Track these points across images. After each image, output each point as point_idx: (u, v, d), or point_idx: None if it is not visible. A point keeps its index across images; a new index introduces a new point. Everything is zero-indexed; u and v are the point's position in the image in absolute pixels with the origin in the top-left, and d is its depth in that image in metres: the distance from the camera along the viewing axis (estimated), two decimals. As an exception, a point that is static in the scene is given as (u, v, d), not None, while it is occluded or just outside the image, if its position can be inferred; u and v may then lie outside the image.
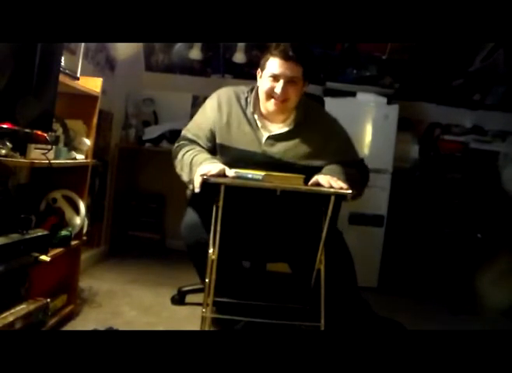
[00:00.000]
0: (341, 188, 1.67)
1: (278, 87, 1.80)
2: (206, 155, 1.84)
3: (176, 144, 1.97)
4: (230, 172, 1.69)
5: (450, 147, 3.62)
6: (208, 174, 1.65)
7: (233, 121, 1.91)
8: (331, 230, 1.75)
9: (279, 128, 1.92)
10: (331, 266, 1.78)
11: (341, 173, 1.80)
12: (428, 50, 3.40)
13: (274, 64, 1.81)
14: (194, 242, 1.87)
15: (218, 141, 1.92)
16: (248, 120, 1.92)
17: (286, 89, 1.81)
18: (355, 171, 1.91)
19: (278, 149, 1.90)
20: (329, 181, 1.70)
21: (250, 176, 1.69)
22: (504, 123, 3.66)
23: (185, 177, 1.84)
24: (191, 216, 1.93)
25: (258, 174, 1.67)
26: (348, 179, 1.76)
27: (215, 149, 1.94)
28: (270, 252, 2.11)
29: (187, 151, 1.88)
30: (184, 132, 2.00)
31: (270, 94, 1.84)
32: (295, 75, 1.81)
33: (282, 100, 1.83)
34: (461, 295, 2.99)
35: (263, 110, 1.92)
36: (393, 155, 3.21)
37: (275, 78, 1.81)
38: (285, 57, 1.79)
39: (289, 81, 1.81)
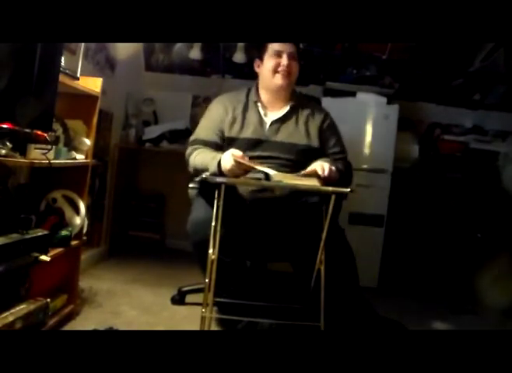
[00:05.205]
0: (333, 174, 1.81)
1: (284, 60, 2.05)
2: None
3: (189, 148, 2.10)
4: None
5: (450, 147, 3.62)
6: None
7: (237, 115, 2.10)
8: (333, 227, 1.77)
9: (278, 114, 2.11)
10: (333, 263, 1.79)
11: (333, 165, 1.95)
12: (428, 50, 3.40)
13: (275, 44, 2.07)
14: (200, 239, 1.84)
15: (227, 135, 2.07)
16: (252, 111, 2.11)
17: (290, 63, 2.06)
18: (343, 165, 2.11)
19: (280, 133, 2.08)
20: (322, 165, 1.82)
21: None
22: (504, 123, 3.66)
23: (210, 167, 1.91)
24: (197, 213, 1.92)
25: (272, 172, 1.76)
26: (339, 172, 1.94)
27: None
28: (272, 252, 2.11)
29: (203, 152, 2.02)
30: (193, 137, 2.13)
31: (276, 69, 2.06)
32: (294, 51, 2.07)
33: (287, 73, 2.06)
34: (461, 295, 2.99)
35: (264, 99, 2.13)
36: (393, 155, 3.21)
37: (279, 54, 2.06)
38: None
39: (291, 57, 2.06)
